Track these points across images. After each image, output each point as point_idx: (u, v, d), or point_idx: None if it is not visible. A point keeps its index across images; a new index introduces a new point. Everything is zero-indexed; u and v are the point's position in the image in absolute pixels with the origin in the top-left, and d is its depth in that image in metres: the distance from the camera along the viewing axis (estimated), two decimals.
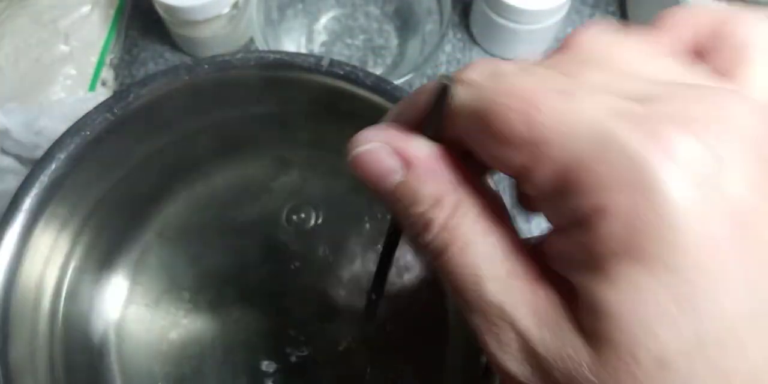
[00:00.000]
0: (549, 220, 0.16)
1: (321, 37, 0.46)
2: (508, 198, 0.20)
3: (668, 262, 0.13)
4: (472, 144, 0.17)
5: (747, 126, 0.14)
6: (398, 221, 0.18)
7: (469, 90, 0.16)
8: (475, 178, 0.17)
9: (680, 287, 0.13)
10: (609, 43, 0.17)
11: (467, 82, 0.16)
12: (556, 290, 0.16)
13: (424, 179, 0.17)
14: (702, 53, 0.17)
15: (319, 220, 0.39)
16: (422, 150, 0.17)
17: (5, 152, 0.37)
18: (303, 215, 0.39)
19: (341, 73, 0.32)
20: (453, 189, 0.17)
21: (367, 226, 0.39)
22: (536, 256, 0.17)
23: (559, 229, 0.16)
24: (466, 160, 0.17)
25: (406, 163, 0.17)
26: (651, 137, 0.14)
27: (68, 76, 0.44)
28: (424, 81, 0.45)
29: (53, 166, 0.31)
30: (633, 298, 0.14)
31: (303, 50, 0.45)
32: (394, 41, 0.46)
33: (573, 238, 0.15)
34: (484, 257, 0.16)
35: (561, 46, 0.18)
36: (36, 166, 0.31)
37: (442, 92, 0.16)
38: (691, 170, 0.13)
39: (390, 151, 0.18)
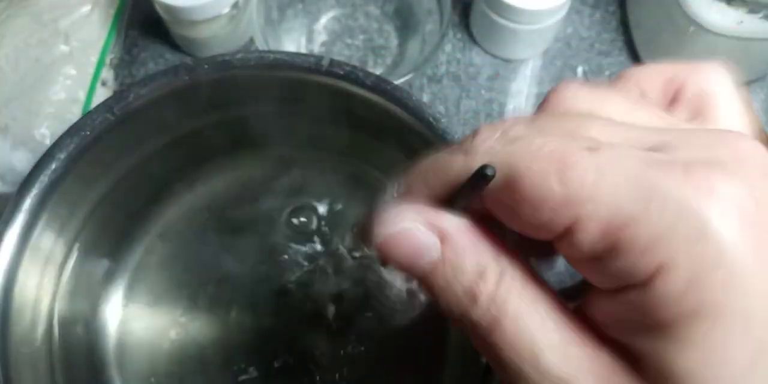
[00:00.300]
0: (593, 281, 0.15)
1: (321, 37, 0.46)
2: None
3: (742, 314, 0.13)
4: (501, 214, 0.16)
5: (762, 161, 0.14)
6: (436, 303, 0.17)
7: (491, 160, 0.15)
8: (506, 245, 0.17)
9: (755, 340, 0.13)
10: (589, 99, 0.17)
11: (486, 152, 0.16)
12: (614, 353, 0.15)
13: (464, 252, 0.16)
14: (669, 103, 0.18)
15: (320, 221, 0.39)
16: (455, 222, 0.16)
17: None
18: (303, 216, 0.39)
19: (341, 73, 0.32)
20: (494, 259, 0.16)
21: None
22: (583, 319, 0.16)
23: (607, 290, 0.15)
24: (493, 228, 0.17)
25: (442, 237, 0.16)
26: (693, 184, 0.13)
27: (68, 76, 0.44)
28: (424, 81, 0.45)
29: (53, 166, 0.31)
30: (708, 358, 0.13)
31: (303, 50, 0.45)
32: (394, 41, 0.46)
33: (627, 299, 0.14)
34: (538, 327, 0.15)
35: (541, 105, 0.18)
36: (36, 166, 0.31)
37: (482, 178, 0.16)
38: (739, 212, 0.13)
39: (423, 228, 0.16)
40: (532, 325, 0.15)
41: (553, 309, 0.16)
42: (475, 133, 0.17)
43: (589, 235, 0.14)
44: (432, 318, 0.37)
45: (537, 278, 0.16)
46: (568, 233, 0.14)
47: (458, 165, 0.16)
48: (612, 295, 0.14)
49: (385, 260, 0.17)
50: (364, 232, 0.18)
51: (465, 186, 0.16)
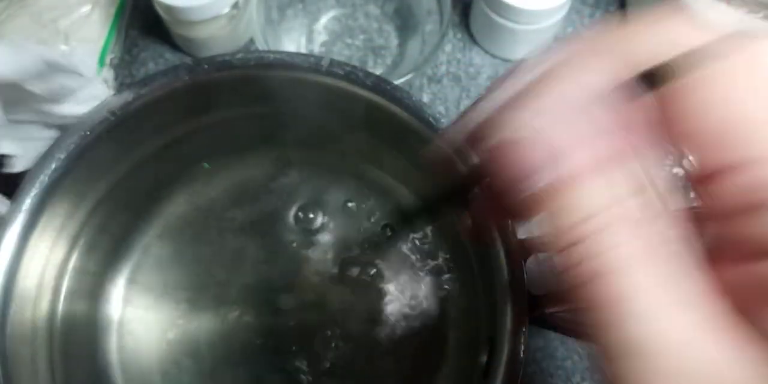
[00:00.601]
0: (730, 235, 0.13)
1: (321, 37, 0.46)
2: None
3: None
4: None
5: None
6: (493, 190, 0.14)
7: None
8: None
9: None
10: None
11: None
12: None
13: (590, 185, 0.13)
14: None
15: (321, 221, 0.39)
16: (593, 149, 0.13)
17: None
18: (304, 216, 0.39)
19: (341, 73, 0.32)
20: (620, 200, 0.13)
21: (367, 225, 0.39)
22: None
23: (735, 258, 0.12)
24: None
25: (568, 162, 0.13)
26: None
27: None
28: (424, 81, 0.45)
29: (53, 166, 0.31)
30: None
31: (303, 50, 0.45)
32: (394, 41, 0.46)
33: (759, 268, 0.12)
34: (663, 295, 0.12)
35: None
36: (36, 166, 0.31)
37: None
38: None
39: (549, 142, 0.13)
40: (654, 288, 0.12)
41: (688, 282, 0.13)
42: None
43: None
44: (431, 317, 0.37)
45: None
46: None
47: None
48: (740, 263, 0.12)
49: (487, 172, 0.14)
50: (467, 128, 0.15)
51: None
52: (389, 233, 0.37)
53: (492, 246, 0.30)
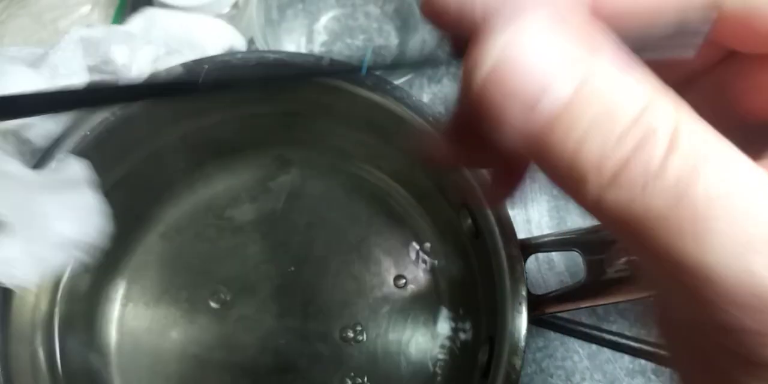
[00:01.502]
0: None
1: (321, 37, 0.46)
2: None
3: None
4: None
5: None
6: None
7: None
8: None
9: None
10: None
11: None
12: None
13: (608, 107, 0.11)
14: None
15: (320, 221, 0.39)
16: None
17: None
18: (303, 216, 0.39)
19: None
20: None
21: (365, 225, 0.39)
22: None
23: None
24: None
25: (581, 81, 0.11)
26: None
27: None
28: (424, 81, 0.45)
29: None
30: None
31: (303, 50, 0.45)
32: (394, 41, 0.46)
33: None
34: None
35: None
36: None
37: None
38: None
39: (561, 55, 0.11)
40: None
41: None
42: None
43: None
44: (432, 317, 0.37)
45: None
46: None
47: None
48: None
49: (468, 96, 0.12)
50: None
51: None
52: None
53: (492, 245, 0.30)
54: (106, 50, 0.30)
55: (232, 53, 0.33)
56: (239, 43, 0.35)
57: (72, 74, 0.30)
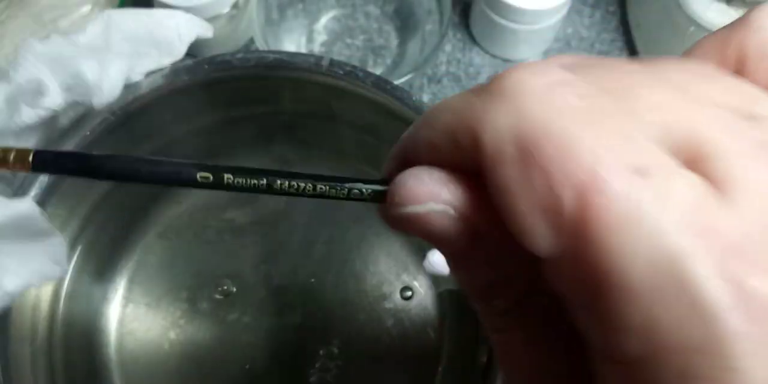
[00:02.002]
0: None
1: (321, 37, 0.46)
2: None
3: None
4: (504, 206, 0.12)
5: None
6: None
7: (505, 112, 0.11)
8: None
9: None
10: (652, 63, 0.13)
11: (519, 99, 0.11)
12: None
13: (494, 257, 0.13)
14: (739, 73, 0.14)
15: (320, 221, 0.39)
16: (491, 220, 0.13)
17: None
18: (303, 216, 0.39)
19: (341, 73, 0.32)
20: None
21: (365, 225, 0.39)
22: None
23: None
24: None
25: (472, 233, 0.13)
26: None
27: None
28: (424, 81, 0.45)
29: None
30: None
31: (303, 50, 0.45)
32: (394, 41, 0.46)
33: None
34: None
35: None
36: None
37: None
38: None
39: (454, 218, 0.13)
40: None
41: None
42: (498, 76, 0.12)
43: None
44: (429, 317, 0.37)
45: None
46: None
47: (471, 112, 0.12)
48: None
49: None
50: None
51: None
52: None
53: None
54: (76, 68, 0.28)
55: (232, 53, 0.33)
56: (206, 32, 0.33)
57: (44, 95, 0.28)
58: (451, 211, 0.13)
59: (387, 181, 0.14)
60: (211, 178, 0.15)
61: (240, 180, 0.15)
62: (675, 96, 0.12)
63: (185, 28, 0.32)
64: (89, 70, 0.28)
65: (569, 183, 0.10)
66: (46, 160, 0.15)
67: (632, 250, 0.10)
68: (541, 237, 0.11)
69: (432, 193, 0.13)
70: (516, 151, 0.11)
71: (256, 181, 0.15)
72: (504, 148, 0.11)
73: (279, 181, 0.15)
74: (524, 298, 0.13)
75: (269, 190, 0.15)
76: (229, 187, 0.15)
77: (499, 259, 0.13)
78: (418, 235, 0.13)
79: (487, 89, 0.12)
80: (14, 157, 0.15)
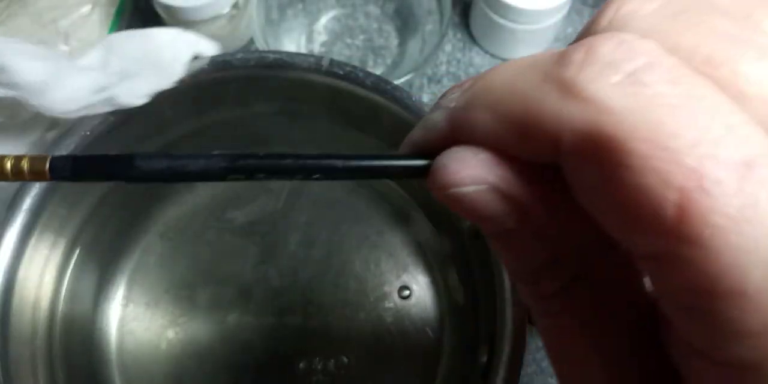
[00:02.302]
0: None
1: (321, 37, 0.46)
2: None
3: None
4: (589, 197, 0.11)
5: None
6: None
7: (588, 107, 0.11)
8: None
9: None
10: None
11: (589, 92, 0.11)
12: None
13: (543, 237, 0.13)
14: None
15: (320, 221, 0.39)
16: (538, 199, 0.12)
17: None
18: (303, 216, 0.39)
19: (341, 73, 0.32)
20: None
21: (366, 225, 0.39)
22: None
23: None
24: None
25: (520, 213, 0.12)
26: None
27: None
28: (424, 81, 0.45)
29: None
30: None
31: (303, 50, 0.45)
32: (394, 41, 0.46)
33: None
34: None
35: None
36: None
37: None
38: None
39: (500, 199, 0.12)
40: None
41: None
42: (588, 41, 0.11)
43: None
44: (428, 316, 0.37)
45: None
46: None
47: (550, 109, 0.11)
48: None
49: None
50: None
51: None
52: None
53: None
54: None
55: (232, 53, 0.33)
56: (208, 49, 0.32)
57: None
58: (497, 193, 0.12)
59: (424, 156, 0.14)
60: (242, 172, 0.14)
61: (271, 164, 0.14)
62: None
63: (184, 49, 0.31)
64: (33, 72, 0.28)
65: (670, 185, 0.10)
66: (65, 167, 0.14)
67: (748, 253, 0.09)
68: (640, 241, 0.10)
69: (477, 176, 0.12)
70: (605, 154, 0.10)
71: (288, 165, 0.14)
72: (591, 151, 0.10)
73: (310, 162, 0.14)
74: (574, 281, 0.13)
75: (303, 171, 0.14)
76: (259, 175, 0.14)
77: (548, 241, 0.13)
78: (463, 214, 0.13)
79: (563, 84, 0.11)
80: (29, 167, 0.14)
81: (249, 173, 0.14)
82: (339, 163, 0.14)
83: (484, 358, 0.30)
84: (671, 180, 0.10)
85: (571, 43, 0.12)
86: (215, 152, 0.14)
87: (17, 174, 0.14)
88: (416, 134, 0.15)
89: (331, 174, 0.14)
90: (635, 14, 0.12)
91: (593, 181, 0.11)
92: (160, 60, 0.31)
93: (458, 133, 0.13)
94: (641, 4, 0.12)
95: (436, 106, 0.14)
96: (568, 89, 0.11)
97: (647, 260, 0.11)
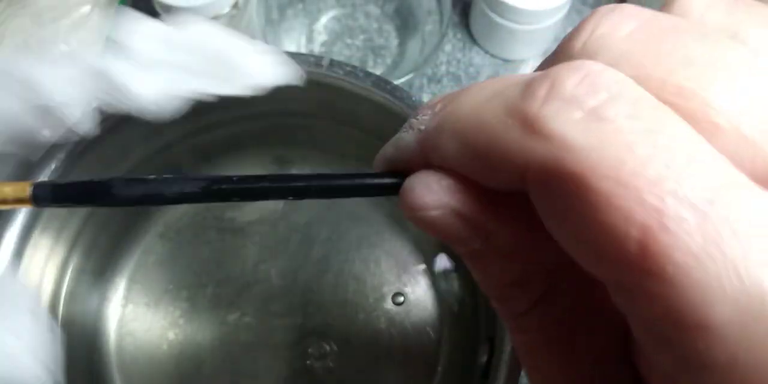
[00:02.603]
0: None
1: (321, 37, 0.46)
2: None
3: None
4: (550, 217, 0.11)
5: None
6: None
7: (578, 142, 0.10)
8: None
9: None
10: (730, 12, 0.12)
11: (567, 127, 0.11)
12: None
13: (510, 258, 0.13)
14: None
15: (320, 221, 0.39)
16: (506, 224, 0.13)
17: None
18: (303, 216, 0.39)
19: (341, 73, 0.32)
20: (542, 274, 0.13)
21: (365, 225, 0.39)
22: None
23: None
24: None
25: (485, 236, 0.13)
26: None
27: None
28: (424, 81, 0.45)
29: (53, 166, 0.31)
30: None
31: (303, 50, 0.45)
32: (394, 41, 0.46)
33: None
34: None
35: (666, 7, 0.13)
36: (36, 166, 0.31)
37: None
38: None
39: (464, 222, 0.13)
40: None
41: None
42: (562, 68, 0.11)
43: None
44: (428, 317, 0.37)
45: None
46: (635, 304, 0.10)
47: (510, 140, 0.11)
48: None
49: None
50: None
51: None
52: None
53: None
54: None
55: None
56: (293, 79, 0.28)
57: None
58: (459, 216, 0.13)
59: (396, 174, 0.14)
60: (211, 193, 0.14)
61: (242, 188, 0.14)
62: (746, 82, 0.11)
63: (267, 70, 0.28)
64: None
65: (632, 222, 0.10)
66: (47, 195, 0.14)
67: (712, 289, 0.09)
68: (606, 272, 0.10)
69: (440, 201, 0.13)
70: (568, 189, 0.10)
71: (262, 188, 0.14)
72: (554, 185, 0.11)
73: (282, 185, 0.14)
74: (544, 298, 0.13)
75: (276, 193, 0.14)
76: (231, 198, 0.14)
77: (516, 261, 0.13)
78: (432, 234, 0.13)
79: (526, 119, 0.11)
80: (12, 194, 0.14)
81: (222, 198, 0.14)
82: (314, 183, 0.14)
83: (484, 358, 0.30)
84: (633, 217, 0.10)
85: (539, 67, 0.12)
86: (188, 175, 0.15)
87: (2, 201, 0.14)
88: (389, 152, 0.15)
89: (303, 195, 0.14)
90: (609, 38, 0.12)
91: (558, 212, 0.11)
92: (235, 67, 0.28)
93: (428, 155, 0.13)
94: (616, 26, 0.12)
95: (408, 125, 0.14)
96: (530, 125, 0.11)
97: (615, 289, 0.11)
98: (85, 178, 0.15)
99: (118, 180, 0.15)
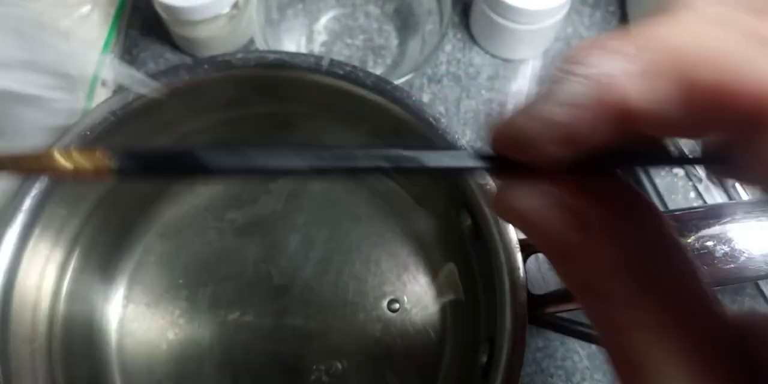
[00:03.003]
0: None
1: (321, 37, 0.46)
2: None
3: None
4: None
5: None
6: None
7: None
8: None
9: None
10: None
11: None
12: None
13: (606, 247, 0.12)
14: None
15: (320, 221, 0.39)
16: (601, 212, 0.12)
17: None
18: (303, 216, 0.39)
19: (341, 73, 0.32)
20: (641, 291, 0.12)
21: (366, 225, 0.39)
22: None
23: None
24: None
25: (583, 227, 0.12)
26: None
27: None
28: (424, 81, 0.45)
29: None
30: None
31: (303, 50, 0.45)
32: (394, 41, 0.46)
33: None
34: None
35: None
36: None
37: None
38: None
39: (562, 212, 0.12)
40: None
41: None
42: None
43: None
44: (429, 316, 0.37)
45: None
46: None
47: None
48: None
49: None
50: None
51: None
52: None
53: (492, 245, 0.30)
54: None
55: (232, 53, 0.33)
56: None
57: None
58: (559, 207, 0.12)
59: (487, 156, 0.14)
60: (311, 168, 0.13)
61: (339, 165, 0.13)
62: None
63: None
64: None
65: None
66: (137, 164, 0.12)
67: None
68: None
69: (541, 216, 0.13)
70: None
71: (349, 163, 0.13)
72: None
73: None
74: (640, 290, 0.12)
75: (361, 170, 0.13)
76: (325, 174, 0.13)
77: (611, 249, 0.12)
78: (524, 231, 0.13)
79: None
80: (88, 163, 0.12)
81: (326, 174, 0.14)
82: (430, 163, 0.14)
83: (484, 358, 0.30)
84: None
85: None
86: (290, 146, 0.14)
87: (76, 172, 0.12)
88: (526, 124, 0.13)
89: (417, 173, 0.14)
90: None
91: None
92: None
93: (619, 107, 0.11)
94: None
95: (564, 75, 0.12)
96: None
97: None
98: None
99: (204, 149, 0.13)
